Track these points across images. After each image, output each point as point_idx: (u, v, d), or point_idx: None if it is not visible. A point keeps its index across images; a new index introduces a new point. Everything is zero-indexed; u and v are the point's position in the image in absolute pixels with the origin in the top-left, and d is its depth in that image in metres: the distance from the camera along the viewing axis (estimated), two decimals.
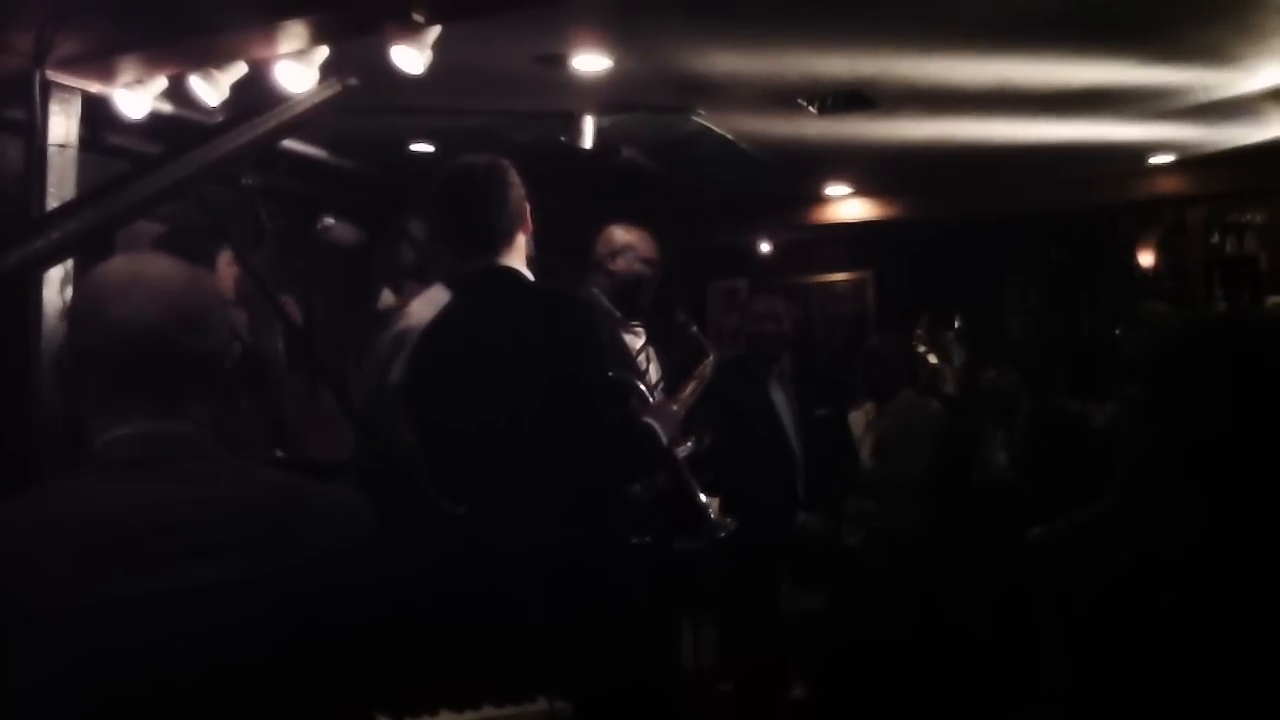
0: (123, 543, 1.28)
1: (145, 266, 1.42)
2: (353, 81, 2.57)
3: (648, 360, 3.56)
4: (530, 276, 2.69)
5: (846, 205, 6.32)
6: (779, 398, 4.76)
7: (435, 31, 3.14)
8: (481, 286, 2.65)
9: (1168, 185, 5.80)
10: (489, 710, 2.01)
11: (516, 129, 4.68)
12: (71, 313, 1.46)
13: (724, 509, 3.15)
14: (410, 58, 3.16)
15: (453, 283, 2.71)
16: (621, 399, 2.78)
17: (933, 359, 5.73)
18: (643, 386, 2.91)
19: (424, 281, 3.54)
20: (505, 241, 2.65)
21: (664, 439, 2.64)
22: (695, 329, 4.07)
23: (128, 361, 1.37)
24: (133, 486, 1.32)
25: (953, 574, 4.85)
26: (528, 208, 2.72)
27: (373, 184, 5.44)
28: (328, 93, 2.61)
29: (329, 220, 5.41)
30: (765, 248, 7.00)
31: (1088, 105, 4.55)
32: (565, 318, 2.59)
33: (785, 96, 4.32)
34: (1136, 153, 5.42)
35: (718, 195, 5.90)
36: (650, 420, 2.66)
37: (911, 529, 4.91)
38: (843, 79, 4.14)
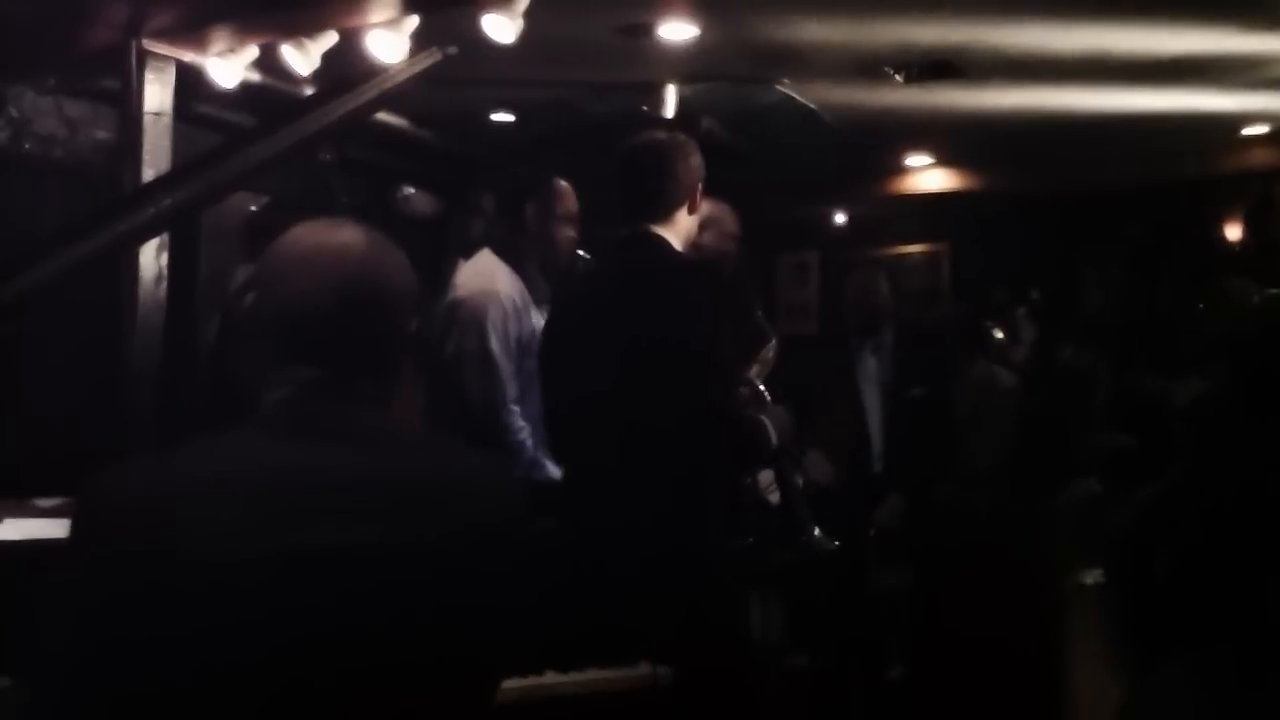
0: (278, 500, 1.30)
1: (330, 236, 1.43)
2: (452, 50, 2.57)
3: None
4: (679, 247, 2.69)
5: (925, 176, 6.23)
6: (869, 375, 4.69)
7: (526, 0, 3.13)
8: (619, 253, 2.69)
9: (1258, 158, 5.66)
10: (593, 673, 2.03)
11: (595, 99, 4.66)
12: (254, 276, 1.47)
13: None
14: (502, 26, 3.14)
15: (603, 248, 2.75)
16: (734, 386, 2.77)
17: (998, 334, 5.64)
18: (761, 386, 2.90)
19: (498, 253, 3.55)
20: (662, 213, 2.67)
21: (774, 439, 2.62)
22: (760, 312, 4.02)
23: (300, 329, 1.39)
24: (292, 447, 1.34)
25: (1034, 555, 4.77)
26: (699, 187, 2.73)
27: (450, 155, 5.45)
28: (427, 62, 2.61)
29: (409, 190, 5.45)
30: (838, 219, 6.92)
31: (1180, 75, 4.44)
32: (694, 290, 2.59)
33: (871, 65, 4.26)
34: (1228, 124, 5.28)
35: (794, 167, 5.84)
36: (764, 418, 2.65)
37: (990, 510, 4.85)
38: (931, 47, 4.07)
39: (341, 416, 1.38)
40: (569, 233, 3.51)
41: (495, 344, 3.38)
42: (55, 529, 2.01)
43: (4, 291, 2.14)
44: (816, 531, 2.86)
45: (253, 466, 1.33)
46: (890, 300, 4.83)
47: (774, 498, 2.98)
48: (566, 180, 3.58)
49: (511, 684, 1.81)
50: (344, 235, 1.43)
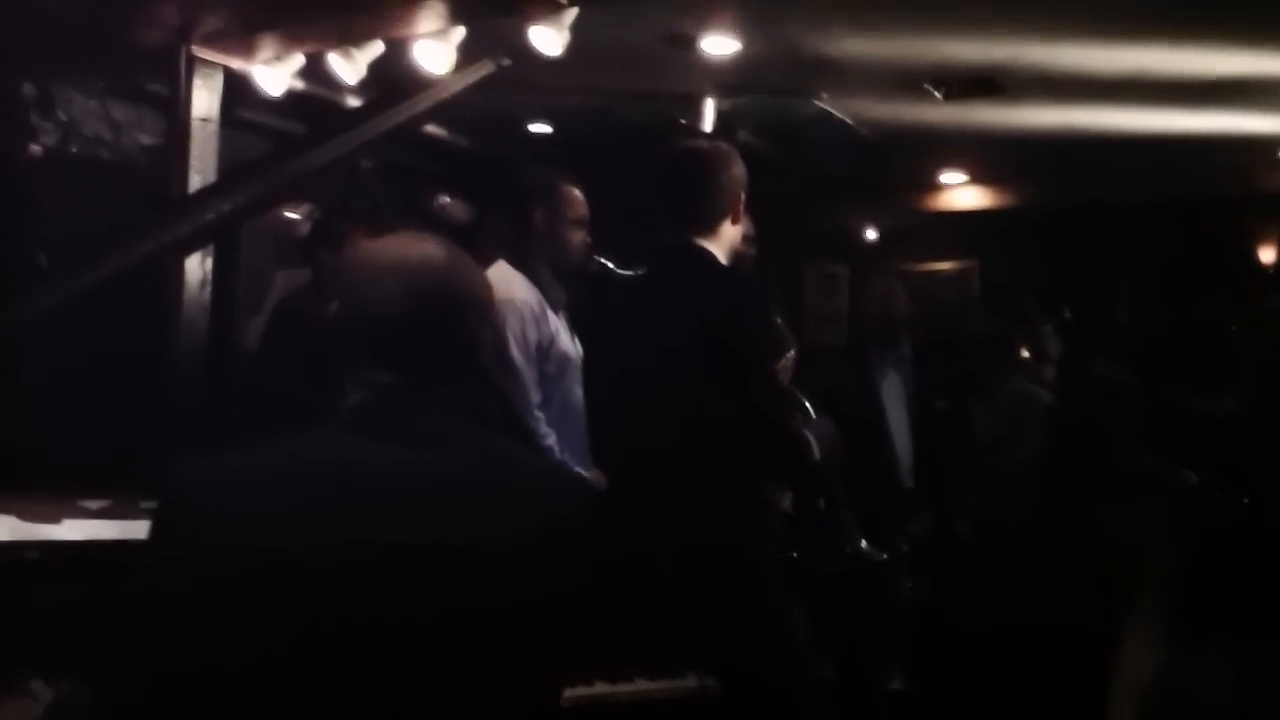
0: (358, 497, 1.34)
1: (410, 246, 1.48)
2: (506, 61, 2.59)
3: None
4: (724, 260, 2.70)
5: (958, 192, 6.23)
6: (891, 387, 4.69)
7: (574, 12, 3.15)
8: (664, 263, 2.70)
9: None
10: (642, 683, 2.05)
11: (633, 109, 4.68)
12: (338, 281, 1.54)
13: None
14: (549, 38, 3.17)
15: (646, 257, 2.76)
16: (777, 398, 2.78)
17: (1024, 352, 5.63)
18: (808, 404, 2.91)
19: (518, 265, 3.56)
20: (704, 223, 2.67)
21: (816, 454, 2.63)
22: (779, 320, 4.02)
23: (381, 335, 1.44)
24: (372, 447, 1.38)
25: (1070, 570, 4.76)
26: (742, 196, 2.72)
27: (486, 161, 5.48)
28: (481, 72, 2.63)
29: (444, 197, 5.47)
30: (870, 233, 6.93)
31: (1222, 95, 4.43)
32: (738, 302, 2.60)
33: (912, 81, 4.27)
34: (1265, 143, 5.26)
35: (828, 179, 5.85)
36: (807, 432, 2.66)
37: (1025, 525, 4.83)
38: (973, 64, 4.08)
39: (419, 419, 1.42)
40: (580, 235, 3.49)
41: (516, 351, 3.38)
42: (111, 530, 2.04)
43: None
44: (864, 543, 2.86)
45: (334, 465, 1.36)
46: (909, 312, 4.82)
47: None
48: (596, 185, 3.57)
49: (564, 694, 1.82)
50: (423, 245, 1.48)
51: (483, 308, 1.51)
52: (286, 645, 1.29)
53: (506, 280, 3.51)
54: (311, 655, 1.29)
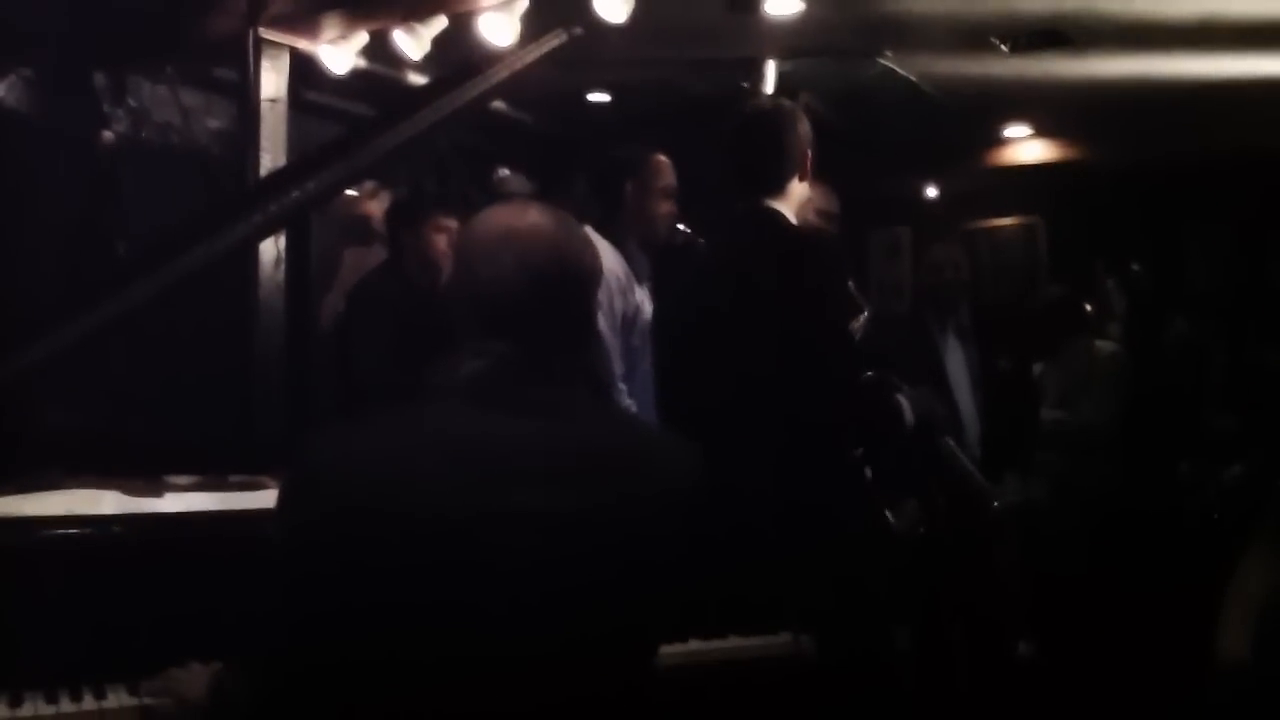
0: (479, 464, 1.36)
1: (523, 217, 1.48)
2: (578, 31, 2.58)
3: None
4: (793, 219, 2.69)
5: (1023, 148, 6.12)
6: (954, 353, 4.64)
7: None
8: (739, 228, 2.70)
9: None
10: (735, 640, 2.05)
11: (694, 77, 4.65)
12: (454, 254, 1.55)
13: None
14: (615, 6, 3.16)
15: (718, 225, 2.76)
16: (855, 359, 2.76)
17: (1090, 308, 5.54)
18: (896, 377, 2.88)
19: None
20: (776, 185, 2.67)
21: (908, 416, 2.60)
22: (852, 283, 3.99)
23: (497, 305, 1.44)
24: (490, 415, 1.40)
25: (1147, 528, 4.70)
26: (809, 156, 2.73)
27: (546, 136, 5.47)
28: (553, 43, 2.62)
29: (504, 171, 5.48)
30: (932, 193, 6.84)
31: None
32: (815, 266, 2.59)
33: (978, 35, 4.20)
34: None
35: (891, 141, 5.77)
36: (900, 397, 2.63)
37: (1102, 481, 4.77)
38: (1041, 15, 4.00)
39: (535, 388, 1.43)
40: (668, 208, 3.50)
41: (603, 322, 3.40)
42: (211, 502, 2.08)
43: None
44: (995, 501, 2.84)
45: (450, 432, 1.38)
46: (970, 276, 4.77)
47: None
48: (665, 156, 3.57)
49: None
50: (535, 216, 1.48)
51: (595, 277, 1.52)
52: (419, 612, 1.31)
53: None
54: (443, 622, 1.31)
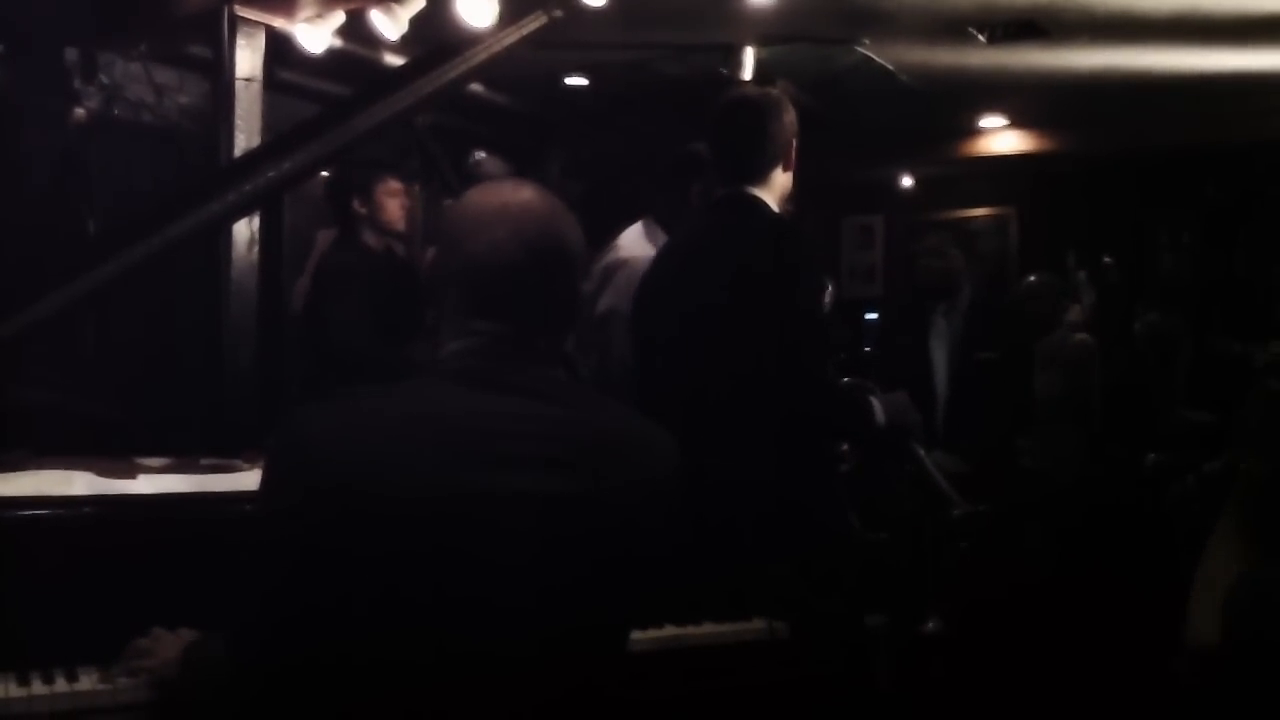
0: (460, 443, 1.34)
1: (512, 196, 1.47)
2: (558, 13, 2.56)
3: None
4: (775, 208, 2.68)
5: (997, 138, 6.15)
6: (939, 337, 4.67)
7: None
8: (717, 214, 2.69)
9: None
10: (709, 626, 2.06)
11: (670, 61, 4.65)
12: (440, 233, 1.53)
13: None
14: None
15: (704, 208, 2.75)
16: (826, 350, 2.76)
17: (1064, 299, 5.58)
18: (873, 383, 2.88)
19: None
20: (756, 172, 2.66)
21: (879, 416, 2.60)
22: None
23: (484, 284, 1.43)
24: (474, 395, 1.39)
25: (1110, 514, 4.74)
26: (793, 143, 2.71)
27: (523, 118, 5.45)
28: (533, 25, 2.60)
29: (480, 154, 5.45)
30: (905, 182, 6.87)
31: (1272, 33, 4.34)
32: (790, 254, 2.58)
33: (956, 25, 4.21)
34: None
35: (867, 129, 5.79)
36: (873, 399, 2.63)
37: (1073, 472, 4.82)
38: (1018, 6, 4.02)
39: (519, 368, 1.42)
40: None
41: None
42: (184, 484, 2.06)
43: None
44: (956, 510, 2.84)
45: (437, 410, 1.37)
46: (963, 264, 4.81)
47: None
48: (635, 139, 3.56)
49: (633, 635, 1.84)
50: (525, 195, 1.47)
51: (581, 260, 1.50)
52: (402, 590, 1.30)
53: (655, 239, 3.50)
54: (426, 599, 1.31)
